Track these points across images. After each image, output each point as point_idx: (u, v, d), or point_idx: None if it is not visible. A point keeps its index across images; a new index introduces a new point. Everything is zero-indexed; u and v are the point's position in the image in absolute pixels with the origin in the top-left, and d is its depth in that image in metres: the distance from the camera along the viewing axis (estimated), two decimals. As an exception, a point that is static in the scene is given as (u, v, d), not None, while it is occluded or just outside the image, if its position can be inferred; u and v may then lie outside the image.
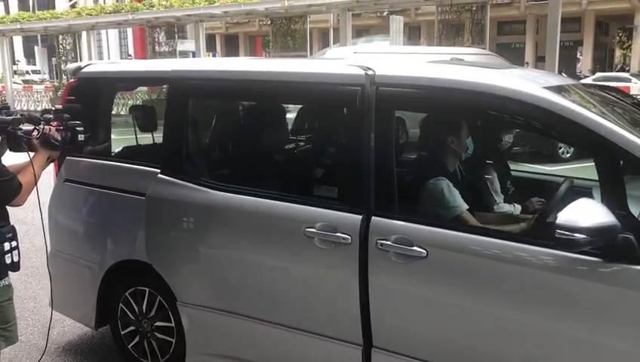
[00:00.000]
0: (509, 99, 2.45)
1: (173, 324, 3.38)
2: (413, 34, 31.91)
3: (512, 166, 4.12)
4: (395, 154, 2.74)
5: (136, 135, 4.07)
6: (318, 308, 2.86)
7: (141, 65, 5.09)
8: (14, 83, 27.49)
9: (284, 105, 4.21)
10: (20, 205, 2.67)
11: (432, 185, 3.00)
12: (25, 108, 23.84)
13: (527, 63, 25.51)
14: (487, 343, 2.47)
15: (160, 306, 3.43)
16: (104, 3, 34.99)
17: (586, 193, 3.12)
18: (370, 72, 2.73)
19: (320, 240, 2.73)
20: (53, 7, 37.51)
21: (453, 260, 2.49)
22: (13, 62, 33.30)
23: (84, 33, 23.67)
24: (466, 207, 2.96)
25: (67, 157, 3.57)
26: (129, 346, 3.60)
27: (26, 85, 28.09)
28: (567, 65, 25.04)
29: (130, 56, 38.66)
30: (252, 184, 3.19)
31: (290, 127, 4.35)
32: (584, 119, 2.31)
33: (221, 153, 4.03)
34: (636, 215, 2.74)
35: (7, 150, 2.67)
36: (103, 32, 37.56)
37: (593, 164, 2.99)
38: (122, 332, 3.62)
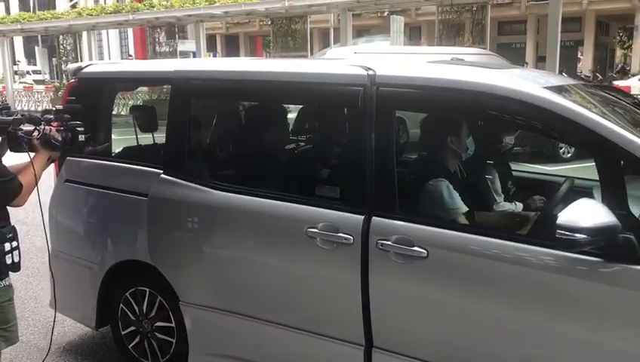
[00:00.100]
0: (509, 100, 2.45)
1: (173, 324, 3.38)
2: (414, 34, 31.88)
3: (513, 166, 4.12)
4: (395, 154, 2.74)
5: (136, 135, 4.07)
6: (320, 309, 2.86)
7: (142, 65, 5.09)
8: (25, 83, 27.59)
9: (285, 106, 4.21)
10: (21, 205, 2.67)
11: (431, 187, 3.00)
12: (25, 109, 23.86)
13: (526, 63, 25.49)
14: (488, 343, 2.47)
15: (160, 306, 3.43)
16: (105, 3, 34.99)
17: (587, 193, 3.12)
18: (370, 72, 2.73)
19: (322, 240, 2.73)
20: (54, 8, 37.50)
21: (454, 260, 2.49)
22: (14, 62, 33.26)
23: (84, 33, 23.68)
24: (465, 209, 2.96)
25: (67, 158, 3.57)
26: (129, 346, 3.60)
27: (29, 85, 28.10)
28: (568, 65, 24.98)
29: (130, 56, 38.65)
30: (254, 184, 3.19)
31: (290, 127, 4.36)
32: (585, 119, 2.31)
33: (224, 153, 4.03)
34: (637, 215, 2.74)
35: (8, 150, 2.67)
36: (104, 32, 37.56)
37: (594, 164, 2.99)
38: (123, 333, 3.62)
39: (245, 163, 3.73)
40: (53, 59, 29.86)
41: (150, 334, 3.50)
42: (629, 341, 2.19)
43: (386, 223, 2.63)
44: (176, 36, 22.74)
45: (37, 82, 30.47)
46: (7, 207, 2.66)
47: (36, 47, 43.20)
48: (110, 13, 21.49)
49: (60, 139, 2.77)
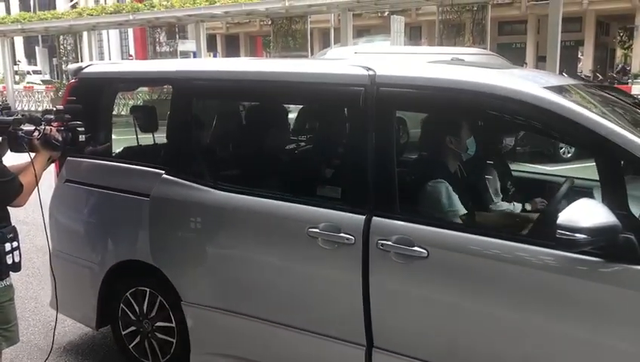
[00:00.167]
0: (509, 100, 2.45)
1: (174, 324, 3.38)
2: (414, 34, 31.87)
3: (513, 166, 4.12)
4: (395, 154, 2.74)
5: (137, 135, 4.07)
6: (321, 309, 2.86)
7: (144, 65, 5.09)
8: (34, 83, 27.59)
9: (286, 106, 4.22)
10: (21, 205, 2.67)
11: (430, 188, 3.00)
12: (26, 109, 23.87)
13: (525, 64, 25.47)
14: (488, 343, 2.47)
15: (161, 306, 3.43)
16: (105, 3, 34.99)
17: (587, 193, 3.12)
18: (371, 73, 2.73)
19: (323, 240, 2.74)
20: (54, 8, 37.53)
21: (454, 260, 2.49)
22: (14, 62, 33.27)
23: (85, 33, 23.68)
24: (462, 212, 2.95)
25: (68, 158, 3.57)
26: (130, 346, 3.60)
27: (29, 85, 28.15)
28: (569, 65, 24.96)
29: (130, 56, 38.65)
30: (256, 184, 3.20)
31: (291, 127, 4.36)
32: (585, 119, 2.31)
33: (226, 153, 4.03)
34: (637, 215, 2.74)
35: (8, 150, 2.67)
36: (104, 32, 37.55)
37: (594, 164, 2.99)
38: (123, 333, 3.62)
39: (247, 163, 3.74)
40: (54, 59, 29.86)
41: (150, 334, 3.50)
42: (629, 341, 2.19)
43: (387, 223, 2.63)
44: (177, 36, 22.75)
45: (45, 82, 30.47)
46: (8, 207, 2.66)
47: (36, 47, 43.21)
48: (110, 13, 21.50)
49: (60, 139, 2.77)
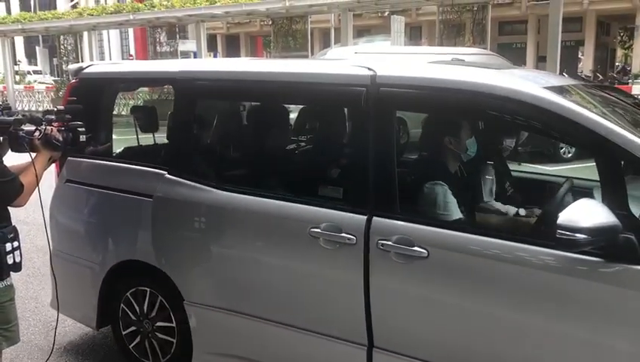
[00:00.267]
0: (509, 100, 2.46)
1: (174, 324, 3.38)
2: (415, 34, 31.86)
3: (513, 166, 4.12)
4: (395, 154, 2.74)
5: (137, 135, 4.08)
6: (323, 309, 2.86)
7: (145, 65, 5.09)
8: (41, 83, 27.55)
9: (287, 106, 4.22)
10: (22, 206, 2.68)
11: (427, 189, 2.99)
12: (26, 109, 23.88)
13: (524, 65, 25.47)
14: (488, 343, 2.48)
15: (161, 306, 3.43)
16: (105, 3, 35.00)
17: (587, 193, 3.12)
18: (371, 73, 2.74)
19: (325, 240, 2.74)
20: (55, 8, 37.53)
21: (454, 260, 2.50)
22: (15, 62, 33.28)
23: (85, 33, 23.67)
24: (457, 216, 2.94)
25: (68, 158, 3.58)
26: (130, 346, 3.60)
27: (29, 85, 28.16)
28: (569, 65, 24.94)
29: (131, 56, 38.64)
30: (258, 184, 3.21)
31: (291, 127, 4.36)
32: (585, 119, 2.32)
33: (229, 154, 4.04)
34: (637, 215, 2.74)
35: (9, 150, 2.67)
36: (105, 32, 37.56)
37: (594, 164, 2.99)
38: (123, 333, 3.62)
39: (250, 163, 3.75)
40: (54, 59, 29.86)
41: (151, 334, 3.50)
42: (629, 341, 2.19)
43: (387, 223, 2.64)
44: (177, 36, 22.72)
45: (56, 82, 30.51)
46: (9, 207, 2.66)
47: (37, 47, 43.21)
48: (111, 13, 21.49)
49: (61, 139, 2.78)
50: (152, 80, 4.71)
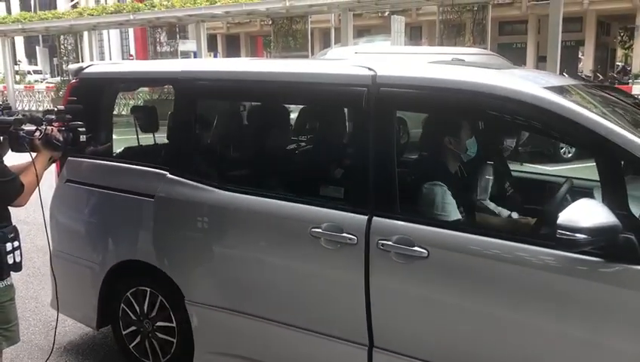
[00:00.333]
0: (509, 100, 2.46)
1: (174, 324, 3.39)
2: (415, 34, 31.87)
3: (513, 166, 4.12)
4: (395, 154, 2.74)
5: (137, 135, 4.08)
6: (324, 309, 2.86)
7: (145, 65, 5.09)
8: (49, 83, 27.57)
9: (287, 106, 4.23)
10: (22, 205, 2.68)
11: (426, 189, 2.98)
12: (27, 109, 23.89)
13: (523, 65, 25.46)
14: (488, 343, 2.48)
15: (161, 306, 3.43)
16: (105, 3, 35.01)
17: (587, 193, 3.12)
18: (372, 73, 2.74)
19: (326, 240, 2.74)
20: (55, 8, 37.55)
21: (454, 260, 2.50)
22: (15, 62, 33.28)
23: (85, 33, 23.68)
24: (457, 216, 2.94)
25: (69, 158, 3.58)
26: (130, 346, 3.60)
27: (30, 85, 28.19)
28: (569, 65, 24.94)
29: (131, 56, 38.65)
30: (260, 184, 3.21)
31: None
32: (585, 119, 2.32)
33: (231, 154, 4.04)
34: (637, 215, 2.74)
35: (9, 150, 2.67)
36: (105, 32, 37.59)
37: (594, 164, 2.99)
38: (124, 333, 3.62)
39: (252, 163, 3.75)
40: (54, 59, 29.88)
41: (151, 334, 3.50)
42: (629, 341, 2.19)
43: (387, 223, 2.64)
44: (177, 36, 22.74)
45: (65, 82, 30.54)
46: (9, 207, 2.66)
47: (37, 47, 43.25)
48: (111, 13, 21.49)
49: (61, 139, 2.78)
50: (154, 80, 4.71)
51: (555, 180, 3.88)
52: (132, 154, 3.93)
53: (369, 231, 2.64)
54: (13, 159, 2.71)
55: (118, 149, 4.00)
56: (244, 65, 3.67)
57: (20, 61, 42.70)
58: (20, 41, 45.23)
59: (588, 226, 2.09)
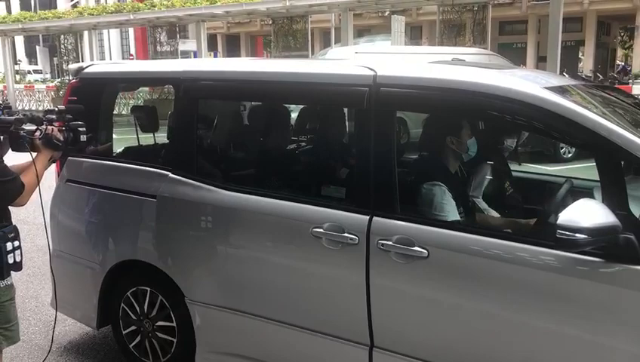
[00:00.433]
0: (509, 100, 2.46)
1: (174, 324, 3.39)
2: (415, 34, 31.88)
3: (513, 166, 4.12)
4: (396, 154, 2.74)
5: (137, 135, 4.08)
6: (325, 308, 2.86)
7: (145, 65, 5.09)
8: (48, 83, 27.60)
9: (288, 106, 4.23)
10: (23, 205, 2.68)
11: (425, 190, 2.98)
12: (27, 108, 23.89)
13: (522, 65, 25.47)
14: (488, 343, 2.48)
15: (162, 306, 3.43)
16: (106, 3, 35.01)
17: (587, 193, 3.12)
18: (372, 73, 2.74)
19: (327, 240, 2.74)
20: (55, 7, 37.55)
21: (454, 260, 2.50)
22: (15, 61, 33.29)
23: (85, 33, 23.69)
24: (455, 216, 2.93)
25: (69, 158, 3.58)
26: (130, 346, 3.60)
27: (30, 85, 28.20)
28: (569, 65, 24.95)
29: (131, 56, 38.67)
30: (262, 184, 3.22)
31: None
32: (585, 119, 2.32)
33: (233, 154, 4.04)
34: (637, 215, 2.74)
35: (10, 150, 2.68)
36: (105, 31, 37.60)
37: (594, 164, 2.99)
38: (124, 332, 3.62)
39: (253, 163, 3.75)
40: (54, 58, 29.88)
41: (151, 334, 3.50)
42: (629, 341, 2.19)
43: (387, 223, 2.64)
44: (177, 36, 22.76)
45: (64, 84, 30.55)
46: (9, 207, 2.66)
47: (37, 47, 43.28)
48: (111, 12, 21.50)
49: (62, 139, 2.78)
50: (155, 80, 4.71)
51: (555, 180, 3.88)
52: (133, 154, 3.93)
53: (369, 231, 2.64)
54: (14, 159, 2.71)
55: (118, 149, 4.00)
56: (247, 65, 3.67)
57: (20, 60, 42.71)
58: (20, 41, 45.25)
59: (588, 226, 2.09)
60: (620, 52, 36.78)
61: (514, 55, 22.49)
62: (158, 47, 22.11)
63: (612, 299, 2.22)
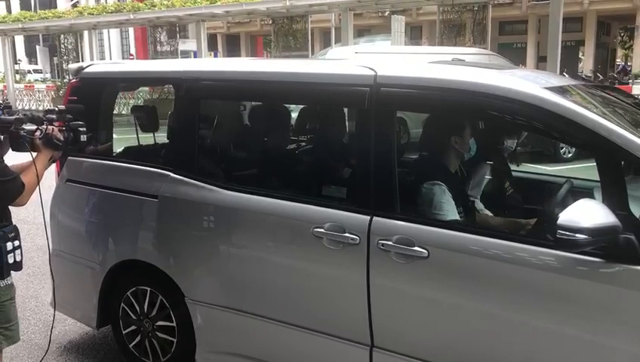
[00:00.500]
0: (509, 100, 2.46)
1: (174, 324, 3.39)
2: (415, 34, 31.89)
3: (513, 166, 4.12)
4: (396, 154, 2.74)
5: (137, 135, 4.08)
6: (326, 308, 2.87)
7: (145, 65, 5.09)
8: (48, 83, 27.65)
9: (288, 106, 4.23)
10: (23, 205, 2.68)
11: (425, 189, 2.98)
12: (27, 108, 23.89)
13: (522, 65, 25.48)
14: (488, 343, 2.48)
15: (162, 306, 3.43)
16: (106, 2, 35.01)
17: (587, 193, 3.12)
18: (372, 73, 2.74)
19: (328, 240, 2.74)
20: (55, 7, 37.56)
21: (454, 260, 2.50)
22: (15, 61, 33.28)
23: (85, 33, 23.69)
24: (455, 216, 2.93)
25: (69, 158, 3.58)
26: (130, 346, 3.60)
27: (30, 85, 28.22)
28: (569, 65, 24.96)
29: (131, 55, 38.68)
30: (263, 184, 3.22)
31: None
32: (585, 120, 2.32)
33: (235, 154, 4.04)
34: (637, 215, 2.74)
35: (10, 150, 2.68)
36: (105, 31, 37.62)
37: (594, 164, 2.99)
38: (124, 332, 3.62)
39: (255, 163, 3.75)
40: (54, 58, 29.88)
41: (151, 333, 3.50)
42: (629, 341, 2.19)
43: (387, 223, 2.64)
44: (177, 35, 22.75)
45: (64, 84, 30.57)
46: (9, 206, 2.66)
47: (37, 46, 43.27)
48: (111, 12, 21.50)
49: (62, 138, 2.78)
50: (155, 80, 4.71)
51: (555, 180, 3.88)
52: (133, 154, 3.93)
53: (370, 231, 2.64)
54: (14, 158, 2.71)
55: (118, 149, 4.00)
56: (247, 65, 3.67)
57: (20, 60, 42.72)
58: (20, 40, 45.26)
59: (588, 226, 2.09)
60: (620, 52, 36.79)
61: (514, 55, 22.49)
62: (158, 47, 22.11)
63: (612, 299, 2.22)
